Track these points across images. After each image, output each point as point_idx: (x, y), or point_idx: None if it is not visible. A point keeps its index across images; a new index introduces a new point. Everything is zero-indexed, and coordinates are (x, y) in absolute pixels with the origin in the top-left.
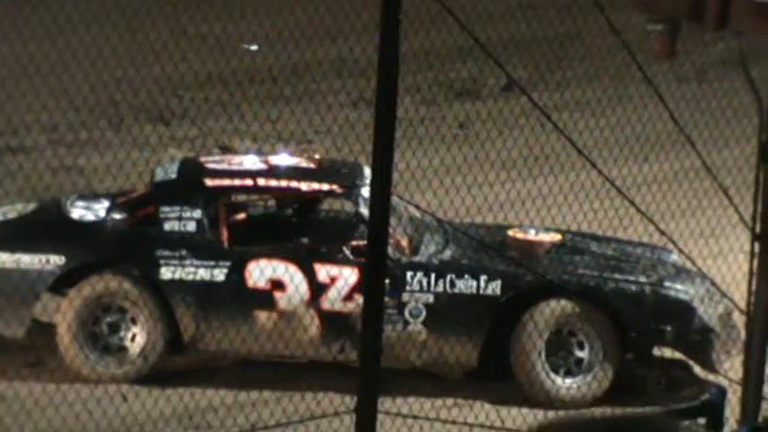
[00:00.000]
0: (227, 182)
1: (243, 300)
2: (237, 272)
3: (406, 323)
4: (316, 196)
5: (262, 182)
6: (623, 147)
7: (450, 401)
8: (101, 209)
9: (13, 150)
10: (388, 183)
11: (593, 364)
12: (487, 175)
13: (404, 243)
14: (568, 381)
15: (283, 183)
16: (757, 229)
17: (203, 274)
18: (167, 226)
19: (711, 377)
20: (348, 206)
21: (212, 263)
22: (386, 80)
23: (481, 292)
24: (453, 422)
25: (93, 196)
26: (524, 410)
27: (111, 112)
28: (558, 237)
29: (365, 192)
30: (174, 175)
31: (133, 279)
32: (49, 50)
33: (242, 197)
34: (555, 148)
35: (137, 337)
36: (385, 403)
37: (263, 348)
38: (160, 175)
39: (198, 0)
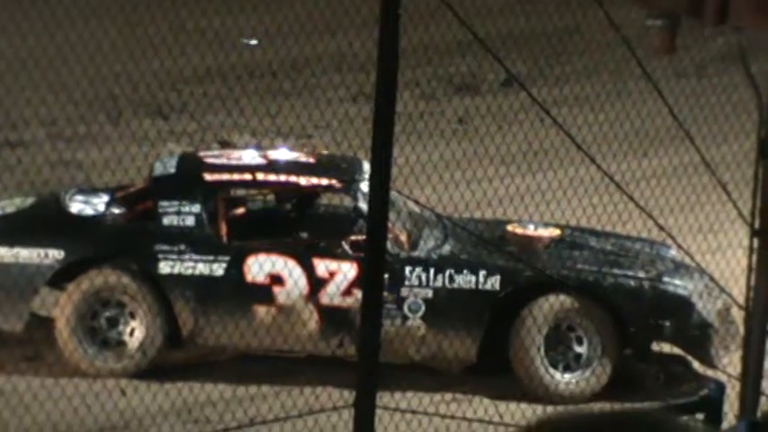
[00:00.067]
0: (225, 176)
1: (242, 294)
2: (236, 266)
3: (405, 318)
4: (315, 191)
5: (261, 176)
6: (622, 142)
7: (448, 396)
8: (99, 203)
9: (12, 144)
10: (387, 177)
11: (592, 359)
12: (486, 170)
13: (403, 238)
14: (567, 376)
15: (282, 177)
16: (756, 225)
17: (202, 268)
18: (166, 220)
19: (710, 372)
20: (347, 201)
21: (211, 257)
22: (385, 75)
23: (480, 287)
24: (452, 417)
25: (91, 190)
26: (523, 405)
27: (110, 107)
28: (557, 232)
29: (364, 186)
30: (172, 170)
31: (132, 273)
32: (48, 44)
33: (241, 192)
34: (554, 143)
35: (135, 332)
36: (384, 398)
37: (262, 343)
38: (159, 169)
39: None
